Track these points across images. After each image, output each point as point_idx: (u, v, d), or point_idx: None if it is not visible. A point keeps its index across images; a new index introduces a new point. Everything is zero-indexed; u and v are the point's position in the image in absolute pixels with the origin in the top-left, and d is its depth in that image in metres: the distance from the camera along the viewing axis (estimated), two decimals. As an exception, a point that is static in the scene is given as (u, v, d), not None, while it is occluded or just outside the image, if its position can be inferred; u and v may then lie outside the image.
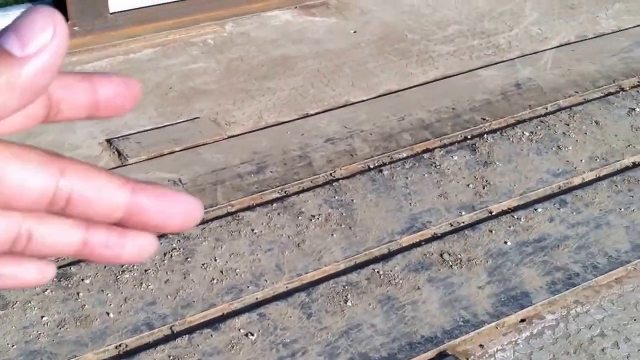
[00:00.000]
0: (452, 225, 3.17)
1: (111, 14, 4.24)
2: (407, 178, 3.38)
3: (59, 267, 2.77)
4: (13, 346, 2.55)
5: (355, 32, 4.44)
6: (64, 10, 4.10)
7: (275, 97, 3.85)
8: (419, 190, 3.32)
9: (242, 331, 2.64)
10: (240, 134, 3.59)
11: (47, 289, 2.69)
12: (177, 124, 3.62)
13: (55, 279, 2.72)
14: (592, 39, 4.43)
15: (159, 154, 3.42)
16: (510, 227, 3.17)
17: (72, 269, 2.77)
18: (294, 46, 4.28)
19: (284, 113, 3.75)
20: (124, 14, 4.31)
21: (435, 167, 3.45)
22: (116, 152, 3.40)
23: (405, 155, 3.53)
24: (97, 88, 0.49)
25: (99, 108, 0.49)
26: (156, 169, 3.32)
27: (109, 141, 3.46)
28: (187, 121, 3.64)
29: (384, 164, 3.46)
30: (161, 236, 2.99)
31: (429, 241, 3.08)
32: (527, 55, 4.27)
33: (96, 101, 0.49)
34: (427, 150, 3.56)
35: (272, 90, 3.90)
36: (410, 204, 3.24)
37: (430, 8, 4.69)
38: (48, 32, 0.45)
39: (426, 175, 3.40)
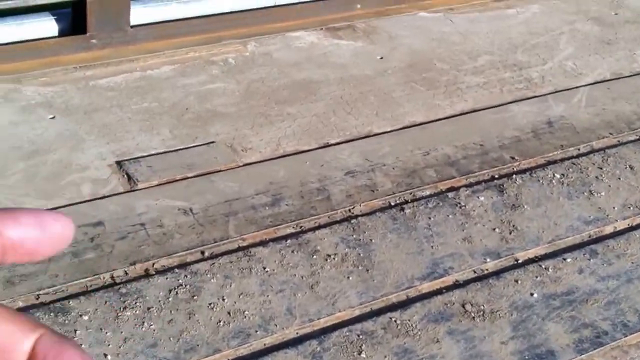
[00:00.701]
0: (475, 272, 2.99)
1: (131, 27, 4.10)
2: (429, 218, 3.20)
3: (56, 300, 2.61)
4: (2, 384, 2.40)
5: (381, 58, 4.28)
6: (82, 20, 3.96)
7: (295, 124, 3.68)
8: (441, 232, 3.14)
9: (247, 380, 2.48)
10: (257, 162, 3.43)
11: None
12: (191, 147, 3.46)
13: (51, 313, 2.56)
14: (628, 77, 4.25)
15: (171, 179, 3.26)
16: (537, 277, 2.99)
17: (70, 302, 2.61)
18: (317, 70, 4.12)
19: (303, 141, 3.58)
20: (145, 28, 4.16)
21: (460, 207, 3.28)
22: (125, 176, 3.24)
23: (428, 192, 3.36)
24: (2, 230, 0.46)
25: (5, 252, 0.47)
26: (166, 195, 3.15)
27: (118, 163, 3.30)
28: (201, 145, 3.48)
29: (406, 202, 3.29)
30: (167, 269, 2.83)
31: (450, 289, 2.91)
32: (560, 90, 4.10)
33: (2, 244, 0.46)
34: (452, 189, 3.39)
35: (292, 116, 3.74)
36: (432, 246, 3.07)
37: (461, 36, 4.52)
38: None
39: (450, 216, 3.23)
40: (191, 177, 3.28)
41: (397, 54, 4.32)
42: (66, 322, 2.54)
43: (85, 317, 2.57)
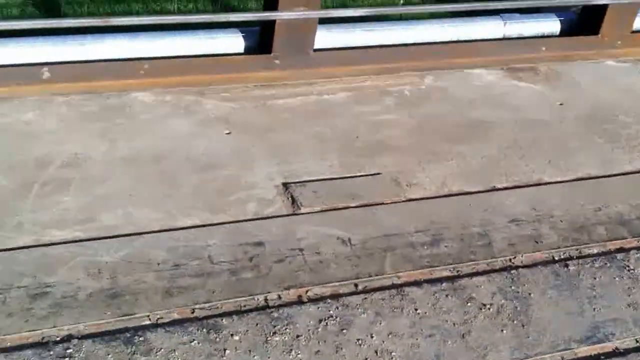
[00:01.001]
0: (637, 342, 2.85)
1: (314, 50, 4.15)
2: (594, 278, 3.07)
3: (210, 317, 2.66)
4: (150, 392, 2.46)
5: (561, 104, 4.15)
6: (269, 40, 4.03)
7: (463, 163, 3.62)
8: (605, 294, 3.01)
9: (386, 423, 2.44)
10: (420, 198, 3.39)
11: (193, 339, 2.57)
12: (356, 176, 3.46)
13: (204, 329, 2.61)
14: None
15: (333, 207, 3.27)
16: None
17: (223, 320, 2.65)
18: (492, 110, 4.04)
19: (470, 182, 3.51)
20: (327, 53, 4.20)
21: (628, 270, 3.13)
22: (290, 198, 3.27)
23: (596, 251, 3.22)
24: None
25: None
26: (327, 223, 3.16)
27: (285, 185, 3.34)
28: (367, 175, 3.47)
29: (571, 258, 3.17)
30: (320, 298, 2.83)
31: (609, 356, 2.78)
32: None
33: None
34: (622, 250, 3.24)
35: (461, 155, 3.68)
36: (594, 309, 2.94)
37: (649, 89, 4.34)
38: None
39: (616, 279, 3.08)
40: (353, 207, 3.28)
41: (578, 102, 4.18)
42: (217, 340, 2.58)
43: (236, 337, 2.60)
